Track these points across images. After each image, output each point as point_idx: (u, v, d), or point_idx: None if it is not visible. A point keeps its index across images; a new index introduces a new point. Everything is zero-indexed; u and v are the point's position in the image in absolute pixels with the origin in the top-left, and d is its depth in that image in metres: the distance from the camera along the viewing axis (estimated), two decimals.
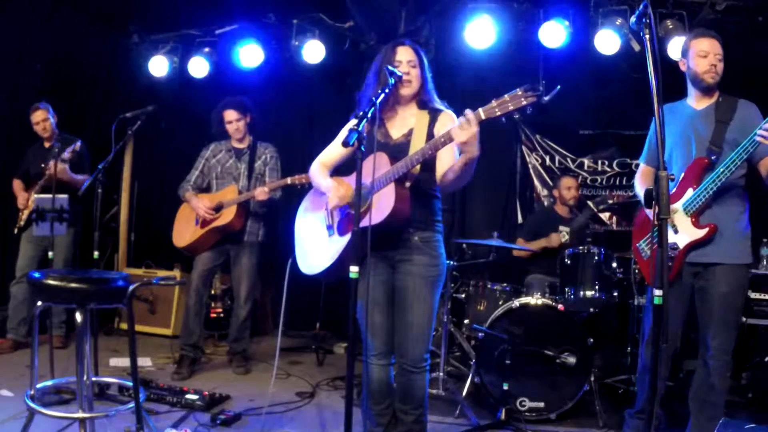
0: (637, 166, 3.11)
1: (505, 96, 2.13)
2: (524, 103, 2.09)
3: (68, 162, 4.22)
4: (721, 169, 2.62)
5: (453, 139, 2.23)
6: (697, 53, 2.74)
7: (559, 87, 2.15)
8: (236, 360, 4.37)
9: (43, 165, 4.46)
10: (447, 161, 2.43)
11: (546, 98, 2.12)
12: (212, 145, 4.46)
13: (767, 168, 2.69)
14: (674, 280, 2.75)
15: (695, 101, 2.85)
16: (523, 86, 2.10)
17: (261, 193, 4.08)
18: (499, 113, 2.13)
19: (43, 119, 4.54)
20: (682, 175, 2.78)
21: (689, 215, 2.72)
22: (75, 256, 4.65)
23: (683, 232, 2.74)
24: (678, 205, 2.75)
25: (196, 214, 4.24)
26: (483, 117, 2.14)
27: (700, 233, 2.70)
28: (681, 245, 2.73)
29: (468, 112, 2.15)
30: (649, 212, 2.84)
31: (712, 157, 2.70)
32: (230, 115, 4.31)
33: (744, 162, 2.62)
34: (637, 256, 3.00)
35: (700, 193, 2.70)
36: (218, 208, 4.19)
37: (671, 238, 2.76)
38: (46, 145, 4.59)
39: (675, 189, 2.78)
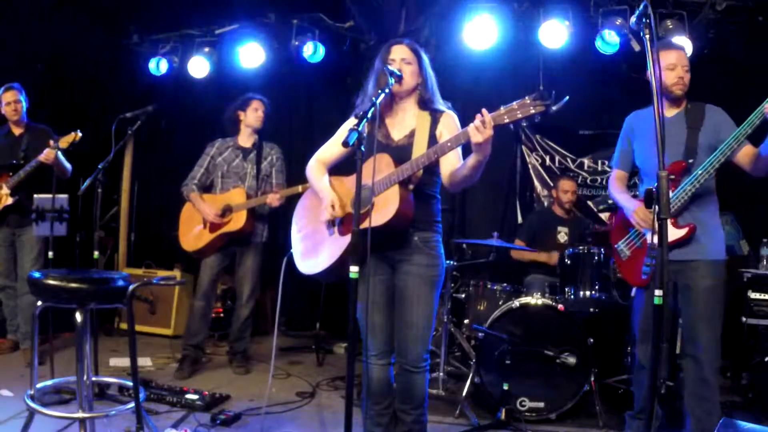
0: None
1: (514, 104, 2.14)
2: (533, 111, 2.10)
3: (59, 149, 3.95)
4: (700, 172, 2.73)
5: (461, 142, 2.24)
6: (665, 66, 2.82)
7: (567, 98, 2.16)
8: (237, 360, 4.37)
9: (21, 154, 4.19)
10: (453, 163, 2.44)
11: (554, 108, 2.12)
12: (218, 141, 4.43)
13: (748, 156, 2.75)
14: (654, 280, 2.81)
15: (665, 109, 2.94)
16: (532, 94, 2.11)
17: (275, 200, 4.10)
18: (507, 120, 2.14)
19: (14, 100, 4.29)
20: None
21: (669, 217, 2.79)
22: (45, 256, 4.14)
23: None
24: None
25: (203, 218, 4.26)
26: (491, 124, 2.15)
27: (680, 233, 2.78)
28: None
29: (485, 112, 2.15)
30: (628, 213, 2.94)
31: (689, 161, 2.80)
32: (260, 104, 4.36)
33: (719, 164, 2.71)
34: (616, 257, 3.09)
35: (678, 195, 2.77)
36: (225, 211, 4.19)
37: (651, 239, 2.87)
38: (16, 132, 4.32)
39: None
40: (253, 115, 4.34)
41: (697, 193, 2.76)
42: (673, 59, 2.81)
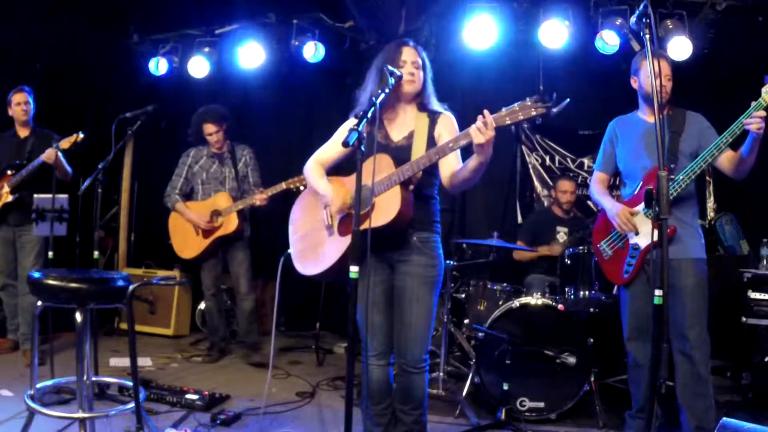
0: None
1: (515, 105, 2.14)
2: (534, 113, 2.11)
3: (61, 150, 3.96)
4: (681, 177, 2.80)
5: (462, 143, 2.24)
6: (648, 74, 2.82)
7: (568, 100, 2.16)
8: (245, 350, 4.54)
9: (25, 155, 4.22)
10: (452, 164, 2.44)
11: (555, 110, 2.13)
12: (192, 150, 4.58)
13: (729, 160, 2.81)
14: (636, 278, 2.93)
15: (647, 115, 3.02)
16: (533, 96, 2.12)
17: (261, 199, 4.22)
18: (509, 121, 2.15)
19: (24, 101, 4.32)
20: (641, 182, 2.94)
21: (650, 218, 2.87)
22: (45, 256, 4.06)
23: (644, 235, 2.92)
24: (639, 209, 2.93)
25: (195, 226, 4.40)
26: (493, 125, 2.15)
27: None
28: (642, 246, 2.91)
29: (487, 114, 2.16)
30: (610, 215, 3.00)
31: (671, 166, 2.86)
32: (209, 128, 4.44)
33: (700, 170, 2.77)
34: (599, 256, 3.16)
35: None
36: (213, 216, 4.35)
37: (633, 239, 2.96)
38: (21, 134, 4.33)
39: (634, 195, 2.97)
40: (209, 140, 4.47)
41: (677, 197, 2.83)
42: (656, 68, 2.83)
